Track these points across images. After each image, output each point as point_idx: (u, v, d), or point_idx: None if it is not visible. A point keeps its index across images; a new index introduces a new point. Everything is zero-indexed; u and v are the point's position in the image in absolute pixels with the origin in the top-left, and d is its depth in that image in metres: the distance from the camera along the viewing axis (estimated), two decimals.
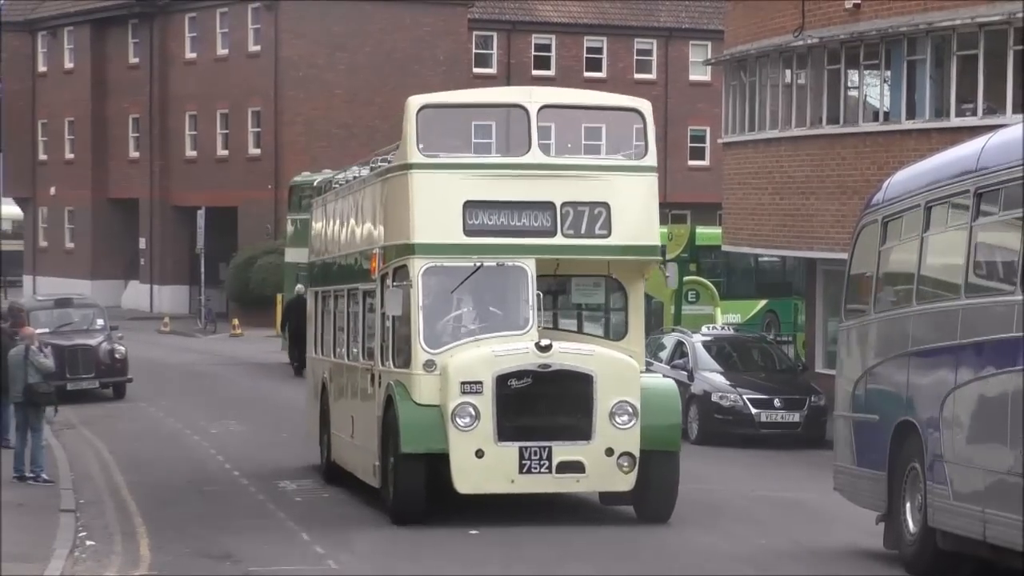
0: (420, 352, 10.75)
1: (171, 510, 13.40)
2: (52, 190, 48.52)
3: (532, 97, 11.29)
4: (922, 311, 9.40)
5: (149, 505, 13.58)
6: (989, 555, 8.28)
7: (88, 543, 11.61)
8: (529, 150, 10.98)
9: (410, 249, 11.01)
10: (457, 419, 10.31)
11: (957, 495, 8.38)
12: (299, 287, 27.84)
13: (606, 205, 10.99)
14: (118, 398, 23.20)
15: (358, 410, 13.09)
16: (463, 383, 10.35)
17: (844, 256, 12.51)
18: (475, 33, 46.54)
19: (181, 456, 17.30)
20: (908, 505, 9.34)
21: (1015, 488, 7.58)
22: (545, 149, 11.12)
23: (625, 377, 10.69)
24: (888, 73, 20.14)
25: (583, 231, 11.03)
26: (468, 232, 10.92)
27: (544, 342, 10.50)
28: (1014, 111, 16.57)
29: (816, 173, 17.35)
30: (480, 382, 10.37)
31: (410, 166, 11.07)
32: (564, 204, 10.95)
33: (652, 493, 10.90)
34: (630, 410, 10.45)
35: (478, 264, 10.87)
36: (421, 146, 11.07)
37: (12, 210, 52.00)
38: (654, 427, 10.73)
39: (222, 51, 42.22)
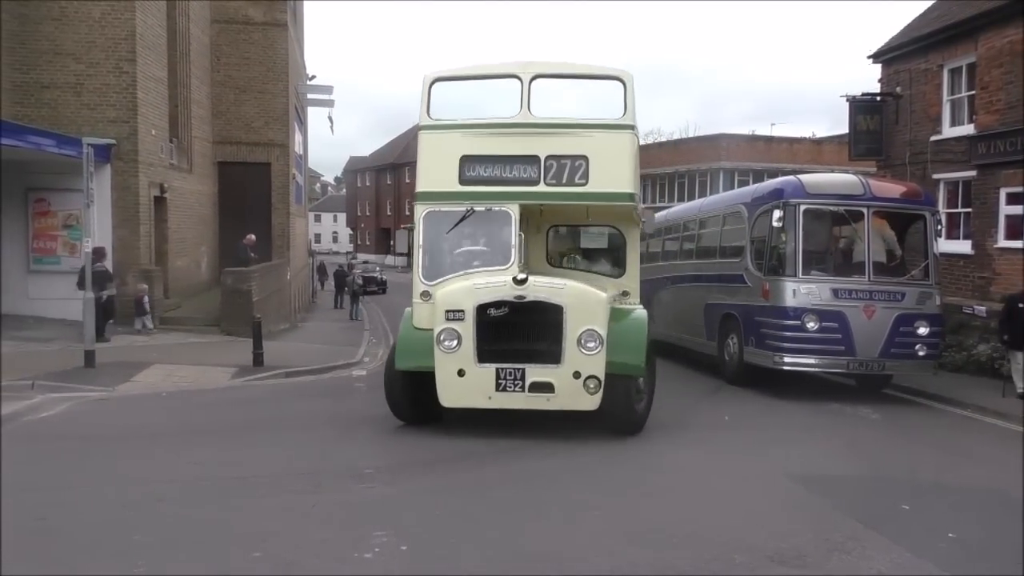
0: (418, 284, 8.97)
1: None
2: (362, 225, 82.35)
3: (527, 69, 9.06)
4: (679, 263, 15.78)
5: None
6: (775, 371, 11.45)
7: (372, 341, 18.48)
8: (519, 112, 8.98)
9: (416, 197, 9.42)
10: (442, 342, 8.20)
11: (759, 346, 11.70)
12: None
13: (585, 158, 8.97)
14: (383, 295, 37.94)
15: None
16: (447, 311, 8.29)
17: None
18: None
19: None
20: (726, 352, 12.72)
21: (783, 342, 11.27)
22: (535, 110, 9.02)
23: (592, 308, 8.26)
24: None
25: (564, 180, 9.00)
26: (463, 182, 9.04)
27: (520, 276, 8.29)
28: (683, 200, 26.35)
29: None
30: (462, 311, 8.23)
31: (420, 128, 9.34)
32: (548, 157, 9.00)
33: (617, 412, 8.49)
34: (596, 338, 8.09)
35: (469, 209, 8.98)
36: (431, 112, 9.21)
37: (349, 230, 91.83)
38: (620, 354, 8.28)
39: None
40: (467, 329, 8.18)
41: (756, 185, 14.81)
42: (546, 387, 8.08)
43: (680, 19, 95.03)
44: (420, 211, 9.12)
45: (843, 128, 20.54)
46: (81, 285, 13.96)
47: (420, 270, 9.03)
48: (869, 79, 29.41)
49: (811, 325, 11.05)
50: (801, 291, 11.18)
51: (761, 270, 11.87)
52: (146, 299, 16.07)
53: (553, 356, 8.12)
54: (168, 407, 9.87)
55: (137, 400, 10.17)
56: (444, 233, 9.12)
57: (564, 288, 8.36)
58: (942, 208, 15.47)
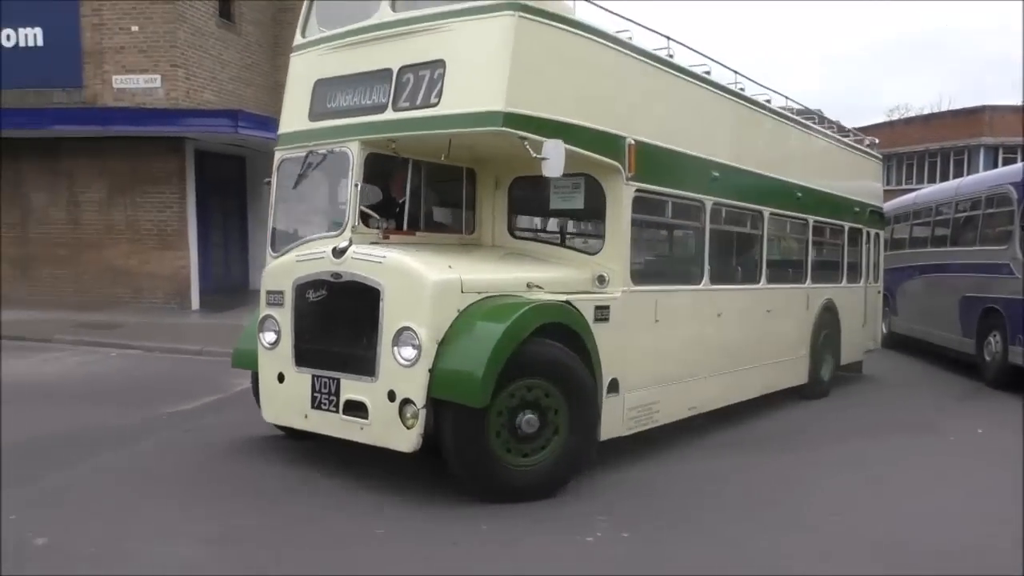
0: (267, 256, 6.72)
1: None
2: None
3: None
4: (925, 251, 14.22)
5: None
6: None
7: None
8: (378, 11, 6.23)
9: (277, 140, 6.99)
10: (264, 334, 6.14)
11: None
12: None
13: (442, 63, 5.81)
14: None
15: None
16: (268, 292, 6.17)
17: None
18: None
19: None
20: (986, 351, 11.46)
21: None
22: (398, 8, 6.20)
23: (414, 294, 5.35)
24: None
25: (418, 101, 5.91)
26: (312, 116, 6.58)
27: (342, 244, 5.78)
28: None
29: None
30: (282, 292, 6.06)
31: (292, 51, 6.99)
32: (402, 69, 6.02)
33: (455, 461, 5.38)
34: (415, 342, 5.25)
35: (307, 153, 6.48)
36: (307, 30, 6.89)
37: None
38: (448, 368, 5.20)
39: None
40: (286, 318, 6.02)
41: None
42: (360, 408, 5.54)
43: None
44: (276, 159, 6.82)
45: None
46: None
47: (269, 237, 6.82)
48: None
49: None
50: None
51: None
52: None
53: (367, 364, 5.48)
54: None
55: None
56: (293, 188, 6.72)
57: (383, 262, 5.54)
58: None
